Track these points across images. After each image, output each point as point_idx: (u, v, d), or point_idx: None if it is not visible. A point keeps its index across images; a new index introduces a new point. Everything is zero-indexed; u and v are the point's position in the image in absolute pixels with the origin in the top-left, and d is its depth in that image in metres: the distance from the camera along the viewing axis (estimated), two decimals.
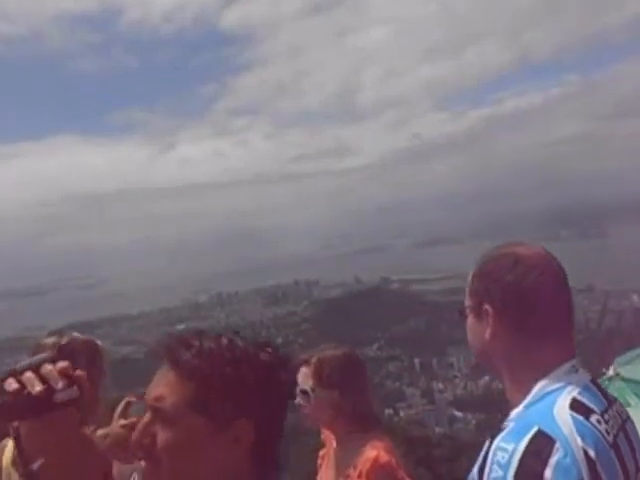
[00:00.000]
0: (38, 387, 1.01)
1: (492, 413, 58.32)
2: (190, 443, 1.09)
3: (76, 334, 1.94)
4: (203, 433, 1.10)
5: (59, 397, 1.04)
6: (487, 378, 70.40)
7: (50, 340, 1.84)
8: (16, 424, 1.21)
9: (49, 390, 1.02)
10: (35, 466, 1.10)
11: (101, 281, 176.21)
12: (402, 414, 56.15)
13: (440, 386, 70.41)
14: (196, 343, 1.14)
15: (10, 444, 1.87)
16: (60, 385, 1.01)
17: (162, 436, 1.08)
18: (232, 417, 1.10)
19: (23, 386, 1.00)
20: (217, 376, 1.10)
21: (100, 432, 1.88)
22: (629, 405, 4.81)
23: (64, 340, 1.86)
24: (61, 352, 1.63)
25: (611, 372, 5.58)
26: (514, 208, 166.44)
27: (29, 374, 1.02)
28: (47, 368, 1.03)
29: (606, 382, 5.35)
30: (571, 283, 1.42)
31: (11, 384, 1.01)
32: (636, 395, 5.20)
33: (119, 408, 1.98)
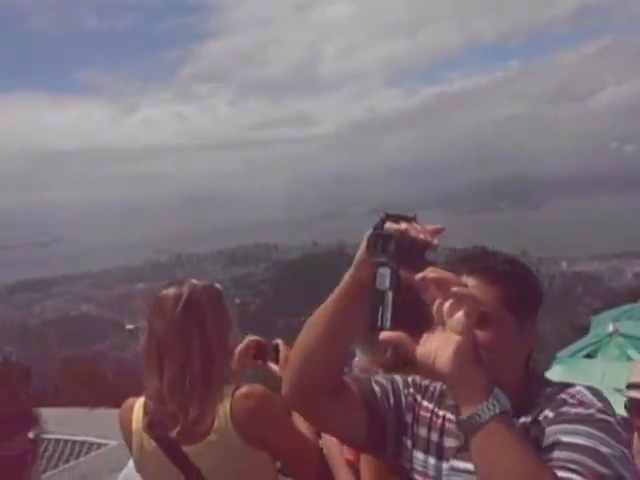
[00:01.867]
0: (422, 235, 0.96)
1: None
2: (505, 339, 1.11)
3: (194, 281, 1.72)
4: (513, 329, 1.13)
5: None
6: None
7: (171, 291, 1.68)
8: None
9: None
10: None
11: (60, 239, 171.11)
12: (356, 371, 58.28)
13: None
14: (490, 256, 1.19)
15: (138, 404, 1.73)
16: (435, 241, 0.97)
17: (483, 336, 1.07)
18: (528, 314, 1.16)
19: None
20: (517, 277, 1.15)
21: None
22: (630, 359, 5.30)
23: (185, 289, 1.68)
24: (188, 303, 1.65)
25: (611, 329, 5.83)
26: (459, 180, 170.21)
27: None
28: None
29: (607, 338, 5.75)
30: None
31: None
32: (636, 350, 5.42)
33: (239, 348, 2.00)
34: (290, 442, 1.68)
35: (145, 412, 1.68)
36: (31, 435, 1.73)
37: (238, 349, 1.98)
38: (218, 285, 1.81)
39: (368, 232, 1.03)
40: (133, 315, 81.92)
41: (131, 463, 1.85)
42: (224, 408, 1.60)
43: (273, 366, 2.02)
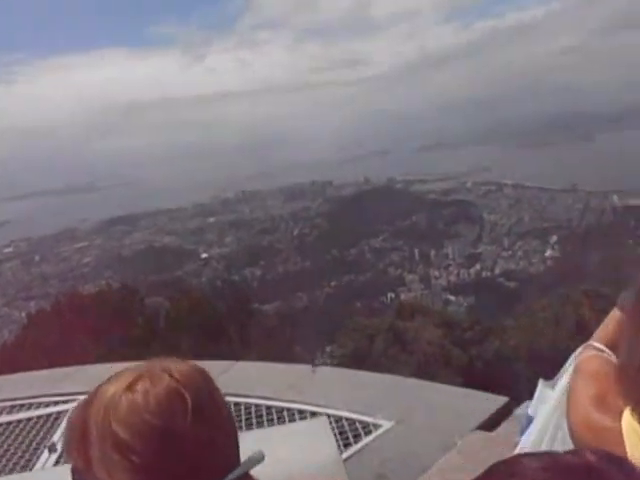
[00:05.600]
0: None
1: (481, 297, 59.90)
2: None
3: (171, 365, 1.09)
4: None
5: None
6: (478, 267, 71.47)
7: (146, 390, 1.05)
8: None
9: None
10: None
11: (140, 180, 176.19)
12: (402, 297, 57.75)
13: (436, 273, 71.66)
14: None
15: None
16: None
17: None
18: None
19: None
20: None
21: None
22: None
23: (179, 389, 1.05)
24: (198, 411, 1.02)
25: None
26: (510, 115, 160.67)
27: None
28: None
29: None
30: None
31: None
32: None
33: None
34: None
35: None
36: None
37: None
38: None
39: None
40: (206, 245, 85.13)
41: None
42: None
43: None
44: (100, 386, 0.99)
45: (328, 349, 35.58)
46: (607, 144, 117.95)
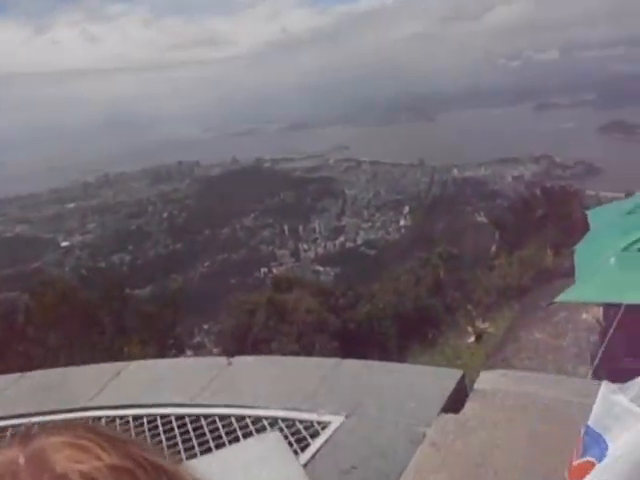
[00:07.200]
0: None
1: (347, 266, 62.64)
2: None
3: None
4: None
5: None
6: (342, 238, 74.44)
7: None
8: None
9: None
10: None
11: None
12: (275, 271, 58.43)
13: (305, 247, 73.38)
14: None
15: None
16: None
17: None
18: None
19: None
20: None
21: None
22: None
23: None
24: None
25: None
26: (365, 97, 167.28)
27: None
28: None
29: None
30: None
31: None
32: None
33: None
34: None
35: None
36: None
37: None
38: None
39: None
40: (66, 233, 78.46)
41: None
42: None
43: None
44: None
45: (206, 327, 35.07)
46: (447, 123, 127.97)
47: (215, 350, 18.67)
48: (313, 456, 2.88)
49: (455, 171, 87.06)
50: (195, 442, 3.47)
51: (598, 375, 5.32)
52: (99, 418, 3.57)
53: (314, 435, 3.07)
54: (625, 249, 5.50)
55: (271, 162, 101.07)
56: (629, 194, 12.22)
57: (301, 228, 76.39)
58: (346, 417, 2.98)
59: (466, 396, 2.90)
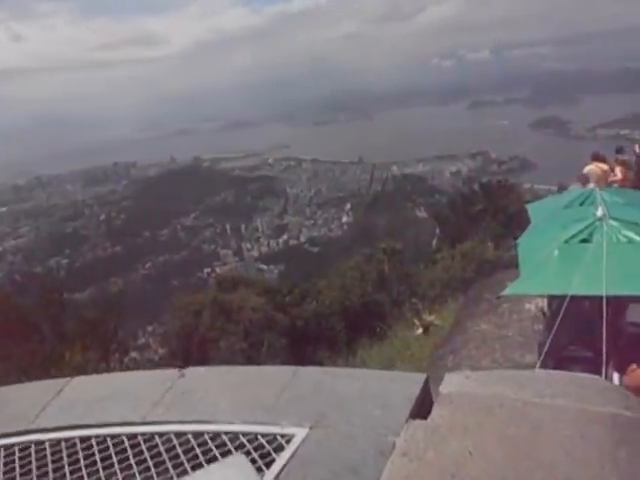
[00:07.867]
0: None
1: (291, 263, 62.49)
2: None
3: None
4: None
5: None
6: (285, 236, 74.23)
7: None
8: None
9: None
10: None
11: None
12: (218, 271, 57.40)
13: (248, 246, 72.65)
14: None
15: None
16: None
17: None
18: None
19: None
20: None
21: None
22: (631, 241, 5.29)
23: None
24: None
25: (599, 213, 5.62)
26: (300, 96, 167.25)
27: None
28: None
29: (597, 223, 5.55)
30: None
31: None
32: (634, 232, 5.34)
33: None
34: None
35: None
36: None
37: None
38: None
39: None
40: None
41: None
42: None
43: None
44: None
45: (150, 329, 33.90)
46: (385, 121, 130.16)
47: (161, 351, 18.06)
48: (279, 473, 2.65)
49: (394, 168, 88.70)
50: (151, 463, 3.12)
51: (545, 363, 5.44)
52: (42, 442, 3.22)
53: (278, 449, 2.85)
54: (566, 242, 5.66)
55: (210, 161, 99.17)
56: (562, 187, 12.72)
57: (243, 227, 75.61)
58: (310, 428, 2.79)
59: (431, 400, 2.77)
